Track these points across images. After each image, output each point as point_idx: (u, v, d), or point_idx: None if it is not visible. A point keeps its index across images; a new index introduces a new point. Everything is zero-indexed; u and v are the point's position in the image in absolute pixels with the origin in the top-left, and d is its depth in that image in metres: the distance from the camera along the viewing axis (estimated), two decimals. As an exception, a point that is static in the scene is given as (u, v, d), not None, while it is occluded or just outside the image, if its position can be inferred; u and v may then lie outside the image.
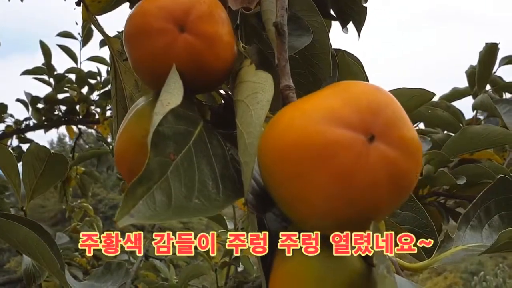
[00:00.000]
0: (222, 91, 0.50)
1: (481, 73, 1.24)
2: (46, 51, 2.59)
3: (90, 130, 3.03)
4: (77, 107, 2.73)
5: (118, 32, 0.51)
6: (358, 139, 0.27)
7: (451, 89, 1.58)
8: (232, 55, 0.40)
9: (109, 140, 2.73)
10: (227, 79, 0.43)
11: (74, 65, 2.68)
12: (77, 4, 0.49)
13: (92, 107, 2.79)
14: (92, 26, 2.27)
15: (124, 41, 0.39)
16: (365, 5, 0.78)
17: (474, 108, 1.11)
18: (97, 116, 2.78)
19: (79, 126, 2.86)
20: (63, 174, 0.76)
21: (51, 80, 2.67)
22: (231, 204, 0.34)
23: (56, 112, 2.72)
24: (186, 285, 1.52)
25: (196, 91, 0.41)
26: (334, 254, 0.31)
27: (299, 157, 0.27)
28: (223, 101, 0.49)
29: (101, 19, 0.78)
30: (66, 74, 2.67)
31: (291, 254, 0.32)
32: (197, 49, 0.37)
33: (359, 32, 0.79)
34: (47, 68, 2.61)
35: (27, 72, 2.65)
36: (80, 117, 2.75)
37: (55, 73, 2.64)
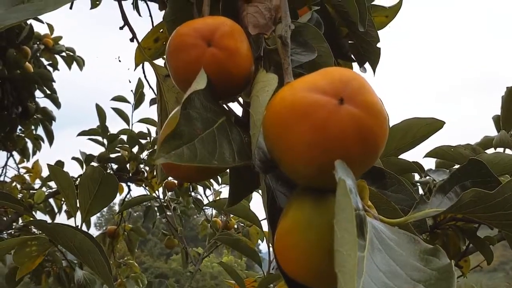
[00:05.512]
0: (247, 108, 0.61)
1: (505, 116, 1.30)
2: (100, 113, 2.81)
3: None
4: (128, 165, 2.91)
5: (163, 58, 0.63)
6: (331, 101, 0.36)
7: (482, 138, 1.62)
8: (249, 65, 0.51)
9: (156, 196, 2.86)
10: (247, 88, 0.53)
11: (126, 126, 2.88)
12: (131, 40, 0.62)
13: (141, 166, 2.96)
14: (144, 90, 2.46)
15: (166, 57, 0.51)
16: (378, 45, 0.88)
17: (494, 146, 1.16)
18: (145, 174, 2.94)
19: (129, 183, 3.03)
20: (114, 195, 0.87)
21: (105, 141, 2.86)
22: (241, 164, 0.43)
23: (108, 170, 2.90)
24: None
25: (222, 96, 0.52)
26: (321, 203, 0.39)
27: (287, 116, 0.37)
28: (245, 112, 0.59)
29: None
30: (119, 135, 2.87)
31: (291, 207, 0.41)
32: (221, 59, 0.49)
33: (374, 70, 0.89)
34: (101, 129, 2.82)
35: (83, 133, 2.87)
36: (130, 174, 2.92)
37: (109, 133, 2.84)
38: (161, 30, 0.87)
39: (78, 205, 0.89)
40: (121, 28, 0.66)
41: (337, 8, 0.91)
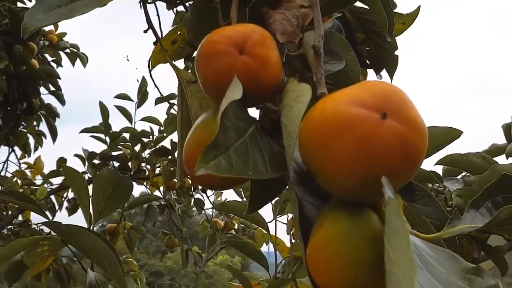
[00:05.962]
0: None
1: (515, 125, 1.30)
2: (104, 111, 2.79)
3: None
4: (129, 163, 2.89)
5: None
6: (373, 115, 0.35)
7: (490, 145, 1.62)
8: (279, 74, 0.51)
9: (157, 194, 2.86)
10: (275, 96, 0.53)
11: (129, 124, 2.87)
12: (154, 43, 0.62)
13: (143, 164, 2.94)
14: (148, 89, 2.46)
15: (196, 63, 0.51)
16: (396, 53, 0.88)
17: (507, 155, 1.16)
18: (147, 173, 2.94)
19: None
20: (127, 197, 0.86)
21: (107, 138, 2.85)
22: (276, 175, 0.42)
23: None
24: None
25: (250, 103, 0.51)
26: (357, 217, 0.39)
27: (328, 129, 0.36)
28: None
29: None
30: (121, 133, 2.86)
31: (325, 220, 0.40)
32: (252, 67, 0.48)
33: (391, 78, 0.89)
34: (104, 126, 2.81)
35: (85, 130, 2.85)
36: (132, 173, 2.90)
37: (111, 131, 2.82)
38: (179, 32, 0.87)
39: (91, 206, 0.89)
40: (145, 31, 0.66)
41: (355, 14, 0.91)
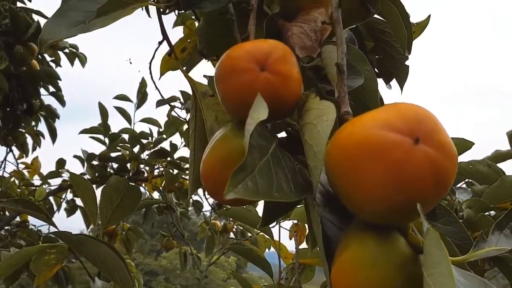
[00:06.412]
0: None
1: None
2: (103, 112, 2.78)
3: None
4: (128, 165, 2.88)
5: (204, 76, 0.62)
6: (406, 140, 0.35)
7: (493, 152, 1.61)
8: (299, 90, 0.50)
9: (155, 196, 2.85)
10: (293, 112, 0.52)
11: (128, 125, 2.86)
12: (169, 55, 0.61)
13: (142, 166, 2.93)
14: (147, 90, 2.44)
15: (216, 79, 0.50)
16: (407, 63, 0.87)
17: (513, 164, 1.16)
18: (145, 174, 2.93)
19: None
20: (136, 206, 0.85)
21: (106, 140, 2.83)
22: (301, 198, 0.42)
23: (108, 169, 2.88)
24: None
25: (270, 119, 0.51)
26: (385, 240, 0.38)
27: (359, 153, 0.36)
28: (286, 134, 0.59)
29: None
30: (120, 134, 2.85)
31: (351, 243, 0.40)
32: (274, 84, 0.47)
33: (401, 88, 0.88)
34: (103, 127, 2.79)
35: (84, 131, 2.84)
36: (130, 174, 2.89)
37: (110, 132, 2.81)
38: (189, 40, 0.86)
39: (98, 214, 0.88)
40: (160, 42, 0.65)
41: (366, 23, 0.90)
